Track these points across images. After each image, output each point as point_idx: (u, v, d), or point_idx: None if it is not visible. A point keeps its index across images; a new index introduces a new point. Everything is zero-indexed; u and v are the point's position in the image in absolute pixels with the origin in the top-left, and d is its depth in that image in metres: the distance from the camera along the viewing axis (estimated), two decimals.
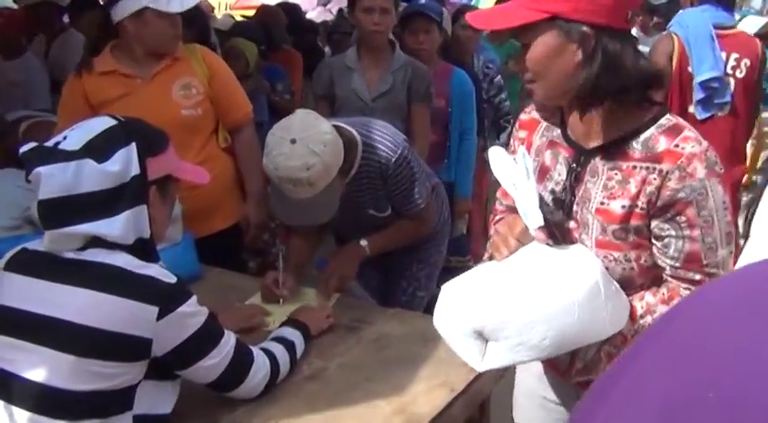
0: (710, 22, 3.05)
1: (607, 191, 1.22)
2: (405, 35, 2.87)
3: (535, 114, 1.40)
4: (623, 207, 1.20)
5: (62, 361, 1.18)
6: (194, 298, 1.29)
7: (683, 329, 0.33)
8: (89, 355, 1.18)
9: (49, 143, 1.25)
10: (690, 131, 1.17)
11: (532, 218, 1.19)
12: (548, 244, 1.22)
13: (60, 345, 1.18)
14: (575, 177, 1.28)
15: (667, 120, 1.20)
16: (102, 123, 1.28)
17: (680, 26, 3.14)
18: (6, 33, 3.72)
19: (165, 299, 1.22)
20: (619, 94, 1.17)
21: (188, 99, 2.27)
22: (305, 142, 1.64)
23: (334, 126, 1.79)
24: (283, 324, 1.68)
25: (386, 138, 1.94)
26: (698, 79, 2.99)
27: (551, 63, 1.18)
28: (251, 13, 6.22)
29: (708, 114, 3.02)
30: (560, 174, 1.31)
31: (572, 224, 1.29)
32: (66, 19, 4.28)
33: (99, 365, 1.19)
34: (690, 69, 3.03)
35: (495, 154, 1.28)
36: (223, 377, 1.34)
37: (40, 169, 1.18)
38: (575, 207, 1.28)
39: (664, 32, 3.45)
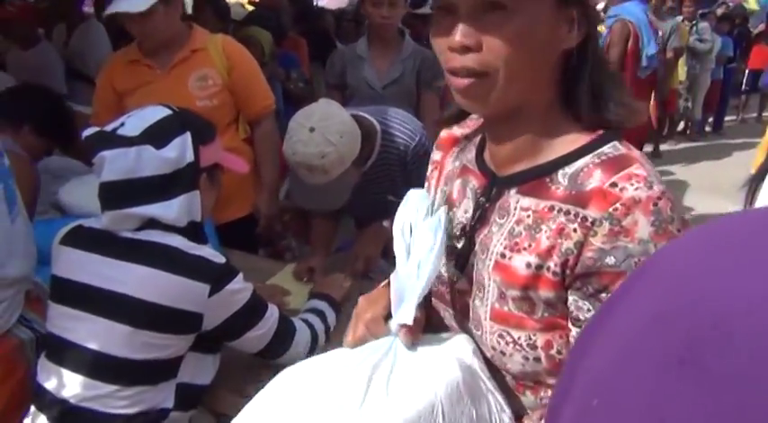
0: (645, 11, 4.82)
1: (512, 238, 0.86)
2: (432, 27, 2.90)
3: (458, 129, 1.05)
4: (528, 265, 0.83)
5: (118, 331, 1.27)
6: (240, 275, 1.38)
7: (662, 261, 0.38)
8: (144, 327, 1.27)
9: (108, 128, 1.32)
10: (640, 168, 0.79)
11: (402, 312, 0.85)
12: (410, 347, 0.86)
13: (118, 316, 1.27)
14: (479, 216, 0.93)
15: (613, 148, 0.83)
16: (158, 112, 1.36)
17: (628, 14, 4.73)
18: (21, 24, 3.79)
19: (216, 277, 1.31)
20: (576, 102, 0.84)
21: (203, 90, 2.31)
22: (322, 131, 1.70)
23: (354, 116, 1.85)
24: (310, 298, 1.78)
25: (404, 126, 1.99)
26: (648, 53, 4.82)
27: (535, 43, 0.79)
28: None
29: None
30: (466, 211, 0.95)
31: (464, 284, 0.94)
32: (89, 8, 4.36)
33: (152, 337, 1.28)
34: (640, 46, 4.78)
35: (412, 199, 0.97)
36: (270, 346, 1.45)
37: (105, 153, 1.26)
38: (471, 258, 0.92)
39: (616, 19, 4.78)
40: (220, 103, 2.35)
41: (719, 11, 8.53)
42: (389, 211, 2.10)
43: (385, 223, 2.09)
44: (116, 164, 1.27)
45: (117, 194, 1.29)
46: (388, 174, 2.04)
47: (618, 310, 0.37)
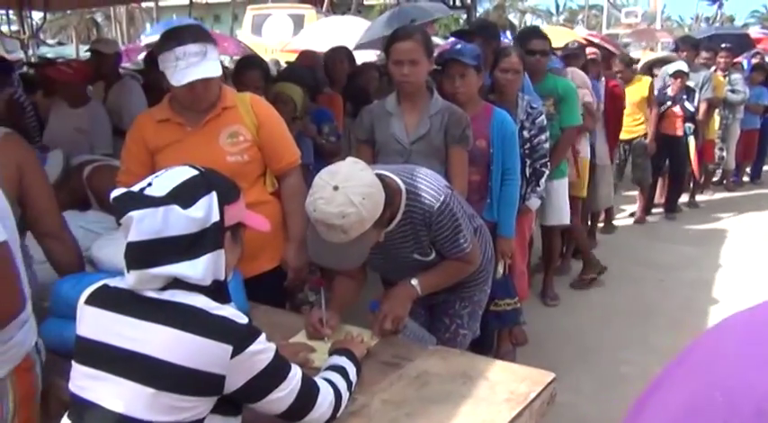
0: None
1: None
2: (443, 80, 2.96)
3: None
4: None
5: (142, 393, 1.27)
6: (263, 336, 1.37)
7: (698, 350, 0.37)
8: (168, 389, 1.26)
9: (135, 188, 1.35)
10: None
11: None
12: None
13: (142, 378, 1.27)
14: None
15: None
16: (185, 172, 1.38)
17: None
18: (73, 83, 3.97)
19: (239, 338, 1.30)
20: None
21: (234, 146, 2.37)
22: (345, 191, 1.71)
23: (379, 176, 1.86)
24: (330, 354, 1.76)
25: (429, 185, 2.00)
26: None
27: None
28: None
29: None
30: None
31: None
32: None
33: (175, 399, 1.27)
34: None
35: None
36: (292, 407, 1.43)
37: (132, 214, 1.28)
38: None
39: None
40: (250, 158, 2.41)
41: (754, 61, 8.50)
42: (416, 270, 2.12)
43: (413, 282, 2.08)
44: (144, 224, 1.29)
45: (144, 254, 1.30)
46: (414, 233, 2.05)
47: (653, 401, 0.36)
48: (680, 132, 6.36)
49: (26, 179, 1.87)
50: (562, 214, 4.37)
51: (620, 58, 6.05)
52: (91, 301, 1.38)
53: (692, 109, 6.33)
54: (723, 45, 7.49)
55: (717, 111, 7.20)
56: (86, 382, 1.33)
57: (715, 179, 8.27)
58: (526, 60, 3.50)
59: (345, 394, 1.58)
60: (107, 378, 1.30)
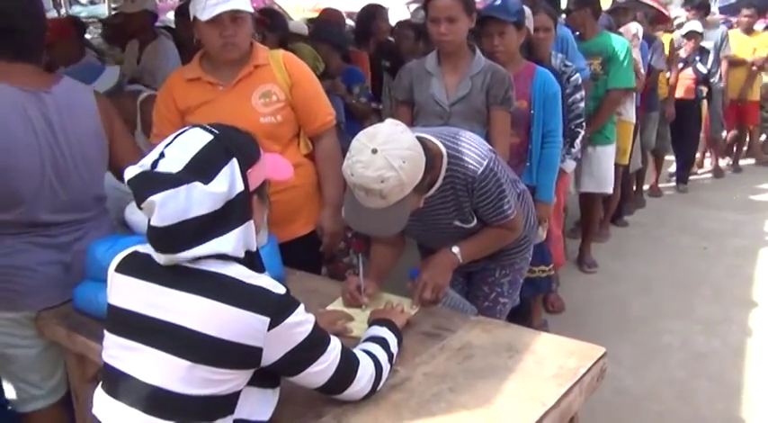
0: None
1: None
2: (482, 38, 2.82)
3: None
4: None
5: (177, 365, 1.21)
6: (302, 307, 1.30)
7: None
8: (204, 362, 1.21)
9: (147, 163, 1.25)
10: None
11: None
12: None
13: (177, 350, 1.21)
14: None
15: None
16: (199, 138, 1.28)
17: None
18: (60, 42, 3.79)
19: (276, 309, 1.24)
20: None
21: (267, 106, 2.29)
22: (385, 154, 1.63)
23: (420, 139, 1.77)
24: (370, 325, 1.70)
25: (473, 149, 1.91)
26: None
27: None
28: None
29: None
30: None
31: None
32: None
33: (211, 372, 1.21)
34: None
35: None
36: (332, 381, 1.37)
37: (154, 199, 1.19)
38: None
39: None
40: (284, 119, 2.33)
41: None
42: (457, 237, 2.03)
43: (454, 249, 1.99)
44: (167, 208, 1.20)
45: (170, 239, 1.23)
46: (455, 199, 1.95)
47: None
48: (692, 96, 5.95)
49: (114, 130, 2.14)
50: (604, 183, 4.21)
51: (641, 7, 5.66)
52: (122, 268, 1.32)
53: (704, 71, 5.96)
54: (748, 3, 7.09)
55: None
56: (119, 352, 1.28)
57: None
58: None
59: (386, 367, 1.52)
60: (141, 349, 1.25)
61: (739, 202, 5.98)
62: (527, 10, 3.00)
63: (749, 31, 6.81)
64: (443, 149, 1.90)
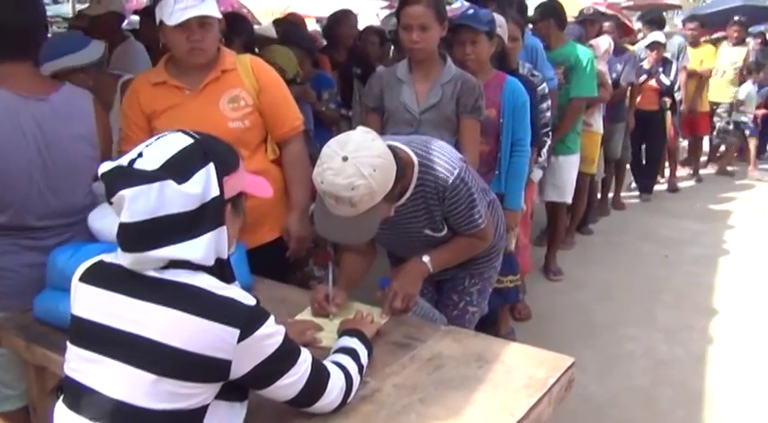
0: None
1: None
2: (454, 46, 2.84)
3: None
4: None
5: (141, 379, 1.18)
6: (272, 318, 1.28)
7: None
8: (169, 375, 1.18)
9: (125, 160, 1.23)
10: None
11: None
12: None
13: (142, 363, 1.18)
14: None
15: None
16: (179, 141, 1.26)
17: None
18: None
19: (246, 321, 1.21)
20: None
21: (236, 111, 2.27)
22: (355, 162, 1.62)
23: (391, 147, 1.76)
24: (340, 335, 1.68)
25: (444, 158, 1.91)
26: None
27: None
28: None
29: None
30: None
31: None
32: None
33: (178, 385, 1.18)
34: None
35: None
36: (302, 394, 1.35)
37: (124, 192, 1.17)
38: None
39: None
40: (252, 124, 2.31)
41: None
42: (427, 246, 2.03)
43: (424, 258, 1.99)
44: (137, 203, 1.17)
45: (139, 236, 1.20)
46: (426, 207, 1.95)
47: None
48: (656, 107, 6.07)
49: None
50: (564, 192, 4.26)
51: (614, 19, 5.74)
52: (86, 278, 1.28)
53: (667, 82, 6.07)
54: (736, 18, 7.33)
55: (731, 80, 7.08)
56: (82, 365, 1.24)
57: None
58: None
59: (357, 378, 1.51)
60: (104, 361, 1.21)
61: (699, 212, 6.13)
62: (501, 19, 3.02)
63: (695, 44, 7.03)
64: (414, 158, 1.90)
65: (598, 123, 4.64)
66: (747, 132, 7.52)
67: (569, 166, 4.23)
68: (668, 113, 6.24)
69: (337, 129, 3.95)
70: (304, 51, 3.98)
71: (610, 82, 4.74)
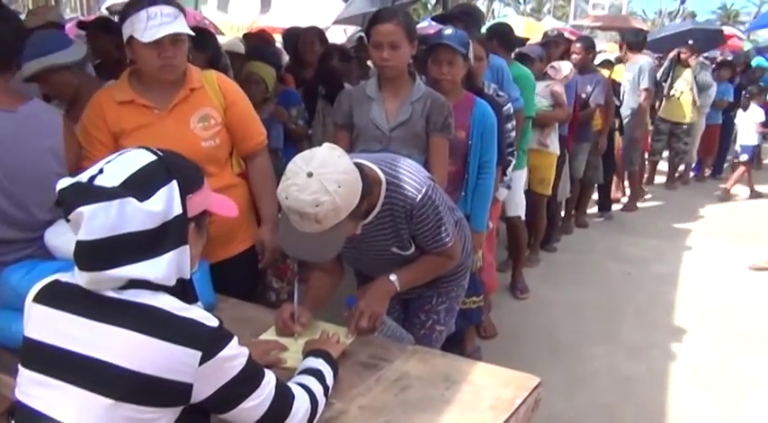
0: None
1: None
2: (429, 64, 2.85)
3: None
4: None
5: (97, 404, 1.13)
6: (235, 340, 1.24)
7: None
8: (127, 400, 1.13)
9: (84, 177, 1.19)
10: None
11: None
12: None
13: (97, 387, 1.13)
14: None
15: None
16: (141, 158, 1.23)
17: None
18: None
19: (208, 343, 1.18)
20: None
21: (207, 130, 2.25)
22: (320, 178, 1.60)
23: (358, 165, 1.75)
24: (305, 356, 1.65)
25: (411, 176, 1.90)
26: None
27: None
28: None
29: None
30: None
31: None
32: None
33: (135, 410, 1.14)
34: None
35: None
36: (265, 417, 1.30)
37: (82, 209, 1.12)
38: None
39: None
40: (221, 141, 2.30)
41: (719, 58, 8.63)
42: (395, 265, 2.02)
43: (391, 277, 1.97)
44: (96, 221, 1.13)
45: (97, 255, 1.15)
46: (394, 225, 1.94)
47: None
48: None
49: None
50: (514, 206, 4.29)
51: (581, 40, 5.86)
52: (40, 298, 1.23)
53: (617, 103, 6.09)
54: (689, 41, 7.52)
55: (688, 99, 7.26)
56: (34, 390, 1.19)
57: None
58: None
59: (322, 400, 1.47)
60: (58, 386, 1.15)
61: (661, 230, 6.24)
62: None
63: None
64: (382, 176, 1.88)
65: (554, 144, 4.68)
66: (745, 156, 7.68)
67: (517, 181, 4.24)
68: (617, 134, 6.31)
69: (301, 146, 3.93)
70: (274, 68, 3.98)
71: (566, 103, 4.79)
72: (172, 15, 2.06)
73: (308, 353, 1.66)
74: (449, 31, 2.84)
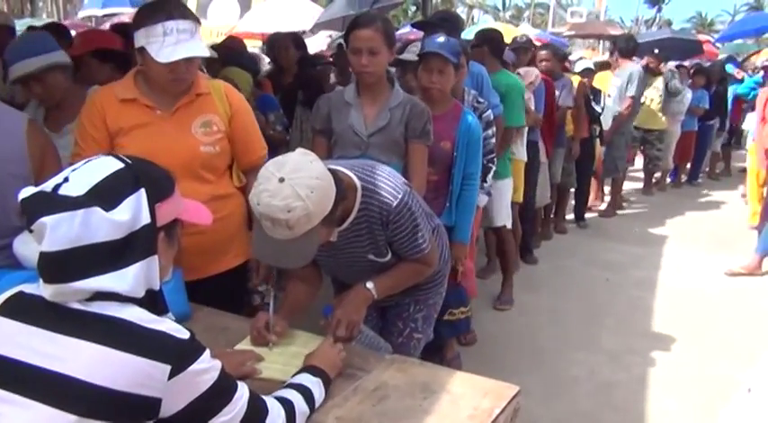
0: None
1: None
2: (420, 72, 2.83)
3: None
4: None
5: (61, 420, 1.08)
6: (207, 353, 1.20)
7: None
8: (93, 416, 1.09)
9: (48, 186, 1.15)
10: None
11: None
12: None
13: (62, 402, 1.09)
14: None
15: None
16: (108, 165, 1.19)
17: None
18: None
19: (178, 356, 1.14)
20: None
21: (207, 136, 2.21)
22: (292, 184, 1.57)
23: (333, 171, 1.72)
24: (301, 370, 1.61)
25: (387, 182, 1.88)
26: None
27: None
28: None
29: None
30: None
31: None
32: None
33: None
34: None
35: None
36: None
37: (45, 219, 1.08)
38: None
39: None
40: (222, 150, 2.26)
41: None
42: (371, 272, 1.99)
43: (368, 285, 1.94)
44: (59, 231, 1.09)
45: (61, 267, 1.11)
46: (370, 232, 1.91)
47: None
48: (586, 134, 6.06)
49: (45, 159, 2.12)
50: (498, 217, 4.29)
51: (550, 48, 5.84)
52: (3, 310, 1.18)
53: (598, 110, 6.17)
54: (655, 50, 7.57)
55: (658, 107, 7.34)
56: None
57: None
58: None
59: (302, 418, 1.43)
60: (18, 401, 1.11)
61: (639, 235, 6.29)
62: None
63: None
64: (357, 182, 1.86)
65: (521, 151, 4.67)
66: None
67: (503, 190, 4.25)
68: (597, 141, 6.35)
69: (279, 152, 3.91)
70: (250, 74, 3.95)
71: (533, 109, 4.82)
72: (188, 32, 2.02)
73: (305, 368, 1.63)
74: (441, 38, 2.83)
